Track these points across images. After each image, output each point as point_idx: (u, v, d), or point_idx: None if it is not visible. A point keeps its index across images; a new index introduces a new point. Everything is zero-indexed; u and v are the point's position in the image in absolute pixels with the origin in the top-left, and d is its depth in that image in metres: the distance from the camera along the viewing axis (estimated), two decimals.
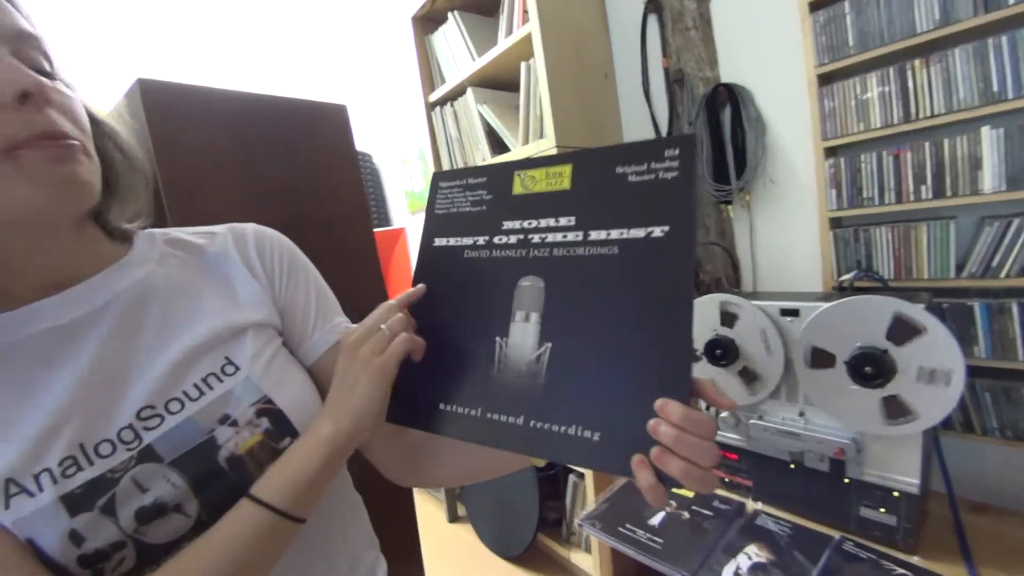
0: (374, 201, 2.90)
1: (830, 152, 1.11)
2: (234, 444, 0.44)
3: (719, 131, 1.32)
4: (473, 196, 0.51)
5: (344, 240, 0.87)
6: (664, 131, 1.47)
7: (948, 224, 0.98)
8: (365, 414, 0.43)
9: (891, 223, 1.04)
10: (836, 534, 0.94)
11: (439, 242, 0.52)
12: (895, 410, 0.82)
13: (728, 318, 1.00)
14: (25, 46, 0.37)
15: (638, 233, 0.41)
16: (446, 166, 1.94)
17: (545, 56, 1.39)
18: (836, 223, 1.13)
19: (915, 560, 0.87)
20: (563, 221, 0.45)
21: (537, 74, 1.43)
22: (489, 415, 0.43)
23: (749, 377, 0.99)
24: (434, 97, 1.88)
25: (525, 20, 1.46)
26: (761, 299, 0.99)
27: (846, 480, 0.93)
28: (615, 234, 0.42)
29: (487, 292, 0.47)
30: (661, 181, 0.41)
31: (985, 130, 0.92)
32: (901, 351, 0.80)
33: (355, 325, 0.47)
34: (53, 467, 0.37)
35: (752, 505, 1.05)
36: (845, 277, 1.03)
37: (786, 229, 1.24)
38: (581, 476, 1.64)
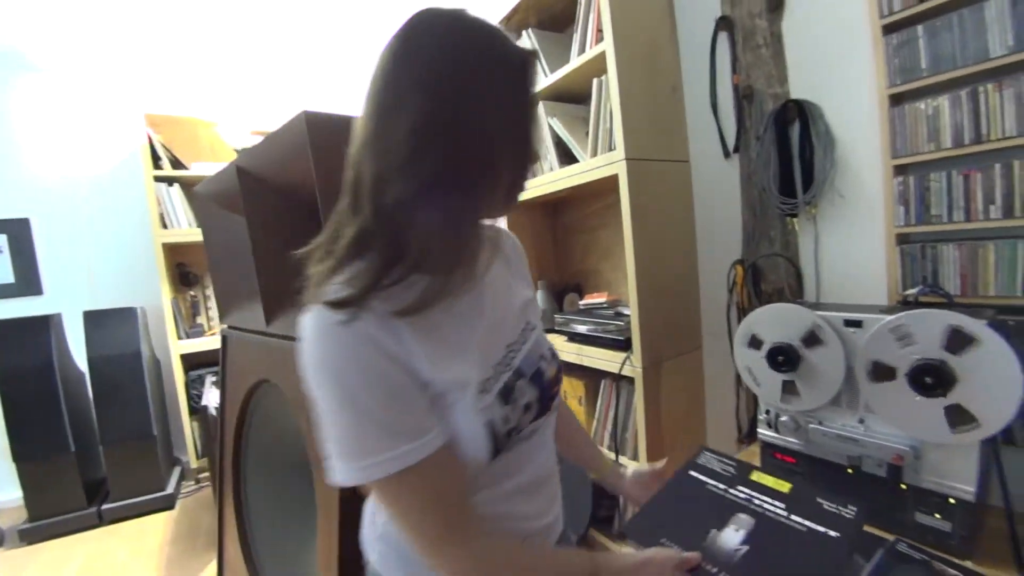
0: None
1: (900, 170, 1.15)
2: (548, 371, 0.69)
3: (787, 145, 1.37)
4: (723, 467, 0.86)
5: None
6: (731, 145, 1.53)
7: (1016, 243, 1.00)
8: None
9: (958, 240, 1.07)
10: (891, 538, 0.98)
11: (694, 473, 0.85)
12: (956, 419, 0.87)
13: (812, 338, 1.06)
14: None
15: (817, 528, 0.70)
16: None
17: (618, 73, 1.48)
18: (903, 239, 1.17)
19: (968, 564, 0.90)
20: (777, 503, 0.76)
21: (609, 90, 1.52)
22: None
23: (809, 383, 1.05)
24: None
25: (599, 39, 1.55)
26: (824, 310, 1.05)
27: (903, 486, 0.97)
28: (807, 523, 0.71)
29: (712, 507, 0.77)
30: (840, 517, 0.72)
31: None
32: (959, 361, 0.85)
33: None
34: (491, 377, 0.61)
35: None
36: (910, 291, 1.07)
37: (852, 243, 1.28)
38: None
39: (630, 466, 0.92)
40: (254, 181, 1.00)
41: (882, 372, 0.94)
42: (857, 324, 0.98)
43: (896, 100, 1.14)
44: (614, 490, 0.96)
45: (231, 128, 3.05)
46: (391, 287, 0.53)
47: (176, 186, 2.82)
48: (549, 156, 1.84)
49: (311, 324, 0.52)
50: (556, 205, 2.27)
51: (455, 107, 0.51)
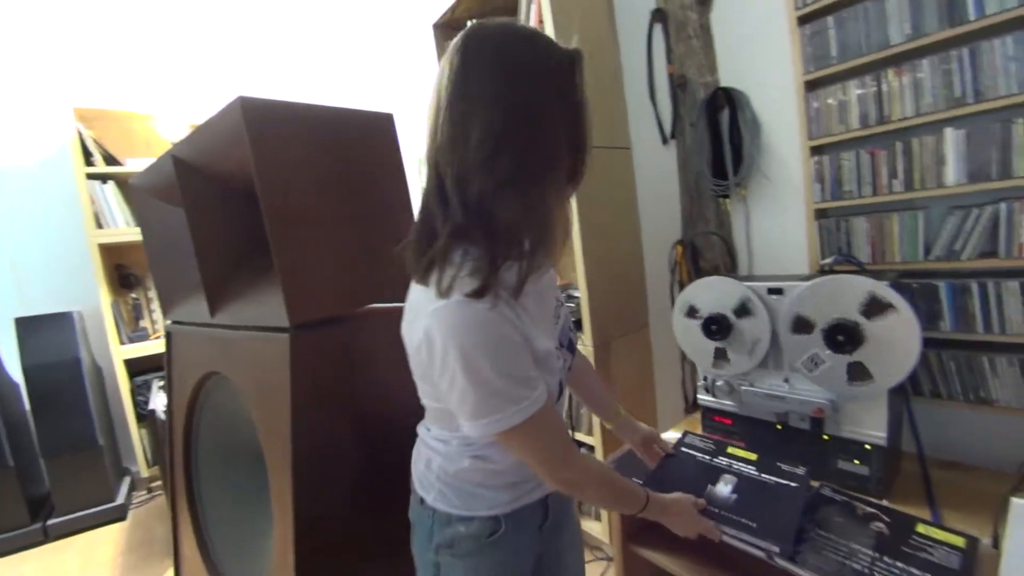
0: None
1: (816, 150, 1.25)
2: (574, 340, 0.84)
3: (718, 131, 1.45)
4: (705, 444, 1.10)
5: (394, 230, 1.02)
6: (668, 131, 1.61)
7: (917, 214, 1.11)
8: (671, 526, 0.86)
9: (868, 213, 1.18)
10: (817, 484, 1.07)
11: (684, 449, 1.11)
12: (860, 374, 0.96)
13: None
14: None
15: (781, 480, 0.97)
16: None
17: None
18: (821, 214, 1.27)
19: (884, 503, 1.00)
20: (749, 467, 1.02)
21: None
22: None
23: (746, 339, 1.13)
24: None
25: (541, 29, 1.59)
26: (753, 281, 1.13)
27: (825, 437, 1.07)
28: (773, 478, 0.97)
29: (704, 471, 1.03)
30: (795, 474, 0.98)
31: (948, 131, 1.05)
32: (869, 323, 0.94)
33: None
34: (558, 346, 0.75)
35: None
36: (826, 261, 1.17)
37: (777, 219, 1.38)
38: (591, 449, 1.79)
39: (641, 425, 1.10)
40: (191, 171, 0.98)
41: (801, 329, 1.03)
42: (779, 292, 1.06)
43: (811, 86, 1.23)
44: (623, 440, 1.13)
45: (168, 121, 2.92)
46: (498, 272, 0.62)
47: (111, 183, 2.68)
48: None
49: (461, 313, 0.60)
50: None
51: (520, 110, 0.60)
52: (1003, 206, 1.01)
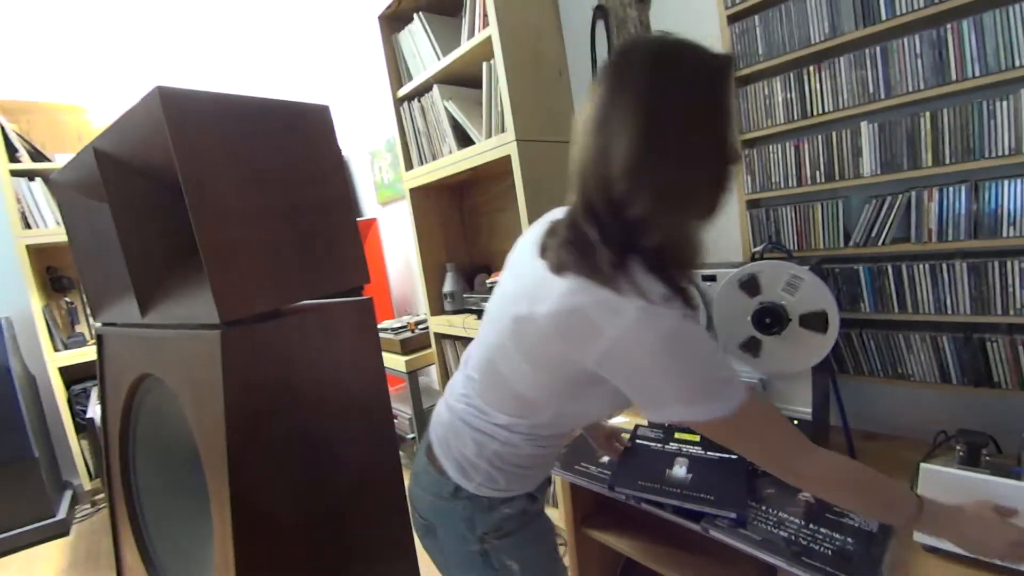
0: None
1: (747, 144, 1.30)
2: None
3: None
4: (655, 434, 1.21)
5: (330, 223, 1.01)
6: None
7: (838, 203, 1.18)
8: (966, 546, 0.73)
9: (794, 203, 1.24)
10: None
11: (639, 441, 1.21)
12: (787, 351, 1.02)
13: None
14: None
15: (723, 455, 1.08)
16: (414, 157, 2.07)
17: (504, 57, 1.53)
18: (753, 204, 1.33)
19: None
20: (696, 448, 1.13)
21: (497, 74, 1.57)
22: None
23: None
24: (402, 93, 2.00)
25: (486, 24, 1.60)
26: None
27: None
28: (718, 454, 1.09)
29: (659, 458, 1.13)
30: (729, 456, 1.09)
31: (864, 124, 1.12)
32: (791, 301, 0.99)
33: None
34: None
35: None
36: (757, 249, 1.22)
37: None
38: None
39: (604, 423, 1.20)
40: (115, 164, 0.94)
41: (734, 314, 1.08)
42: (712, 279, 1.11)
43: (741, 82, 1.28)
44: (589, 437, 1.17)
45: (102, 113, 2.77)
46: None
47: (38, 181, 2.53)
48: (447, 139, 1.87)
49: (676, 317, 0.62)
50: (461, 188, 2.31)
51: (659, 140, 0.61)
52: (913, 194, 1.08)
